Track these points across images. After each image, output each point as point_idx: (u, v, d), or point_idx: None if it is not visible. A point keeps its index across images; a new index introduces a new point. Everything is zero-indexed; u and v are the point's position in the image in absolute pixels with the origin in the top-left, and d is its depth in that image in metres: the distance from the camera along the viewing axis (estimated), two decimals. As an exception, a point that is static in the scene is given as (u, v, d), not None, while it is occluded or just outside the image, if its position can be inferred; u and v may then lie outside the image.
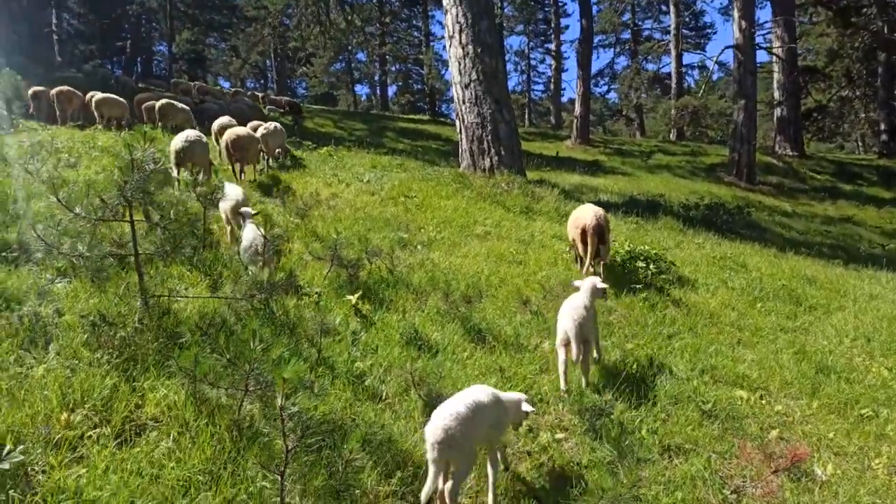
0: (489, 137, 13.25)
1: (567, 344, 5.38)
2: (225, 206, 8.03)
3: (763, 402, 5.73)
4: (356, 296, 6.40)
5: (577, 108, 33.78)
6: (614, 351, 6.27)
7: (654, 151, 33.56)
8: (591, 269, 8.24)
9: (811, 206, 23.74)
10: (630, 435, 4.77)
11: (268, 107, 31.35)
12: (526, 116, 55.38)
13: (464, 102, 13.50)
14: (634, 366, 6.02)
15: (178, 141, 9.70)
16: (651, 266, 8.88)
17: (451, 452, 3.49)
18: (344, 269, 7.16)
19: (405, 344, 5.73)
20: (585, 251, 8.20)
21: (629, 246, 9.39)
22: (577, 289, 5.85)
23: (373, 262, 7.63)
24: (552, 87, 49.88)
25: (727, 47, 27.22)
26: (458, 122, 13.79)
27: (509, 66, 54.67)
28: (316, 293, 6.65)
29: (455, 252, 9.19)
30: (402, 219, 10.49)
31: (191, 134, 9.94)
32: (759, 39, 30.98)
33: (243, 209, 7.44)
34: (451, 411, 3.56)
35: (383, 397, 4.88)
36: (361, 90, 73.33)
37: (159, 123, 16.72)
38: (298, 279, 6.99)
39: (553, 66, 47.57)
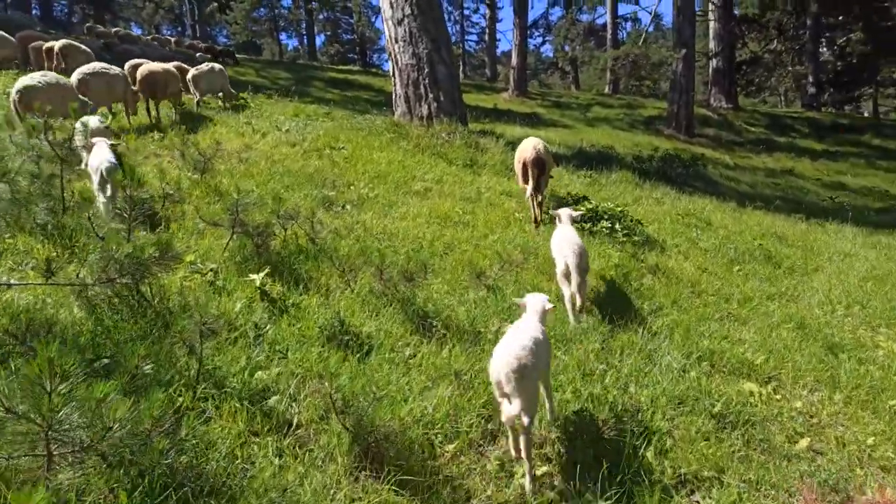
0: (426, 81, 11.62)
1: (568, 275, 5.28)
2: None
3: (778, 396, 4.56)
4: (262, 273, 4.83)
5: (514, 59, 32.21)
6: (593, 336, 4.95)
7: (592, 104, 32.51)
8: (537, 202, 7.96)
9: (750, 158, 23.21)
10: (634, 461, 3.48)
11: (198, 54, 28.42)
12: (461, 69, 53.38)
13: (397, 41, 11.78)
14: (620, 356, 4.74)
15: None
16: (617, 225, 7.62)
17: (525, 382, 3.26)
18: (250, 237, 5.55)
19: (327, 341, 4.23)
20: (527, 183, 7.98)
21: (591, 202, 8.10)
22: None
23: (288, 227, 6.04)
24: (487, 38, 47.98)
25: (667, -5, 26.08)
26: (391, 64, 12.08)
27: (442, 16, 52.33)
28: (210, 270, 5.04)
29: (391, 213, 7.67)
30: (328, 174, 8.86)
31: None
32: (696, -12, 29.97)
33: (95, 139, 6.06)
34: (519, 344, 3.38)
35: (294, 426, 3.40)
36: (288, 40, 69.44)
37: (61, 66, 14.15)
38: (189, 251, 5.35)
39: (487, 16, 45.58)
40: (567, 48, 45.79)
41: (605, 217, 7.77)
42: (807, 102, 36.33)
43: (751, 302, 6.32)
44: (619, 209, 7.91)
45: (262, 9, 48.35)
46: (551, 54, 55.96)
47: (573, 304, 5.27)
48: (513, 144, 12.01)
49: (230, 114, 12.51)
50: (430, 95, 11.63)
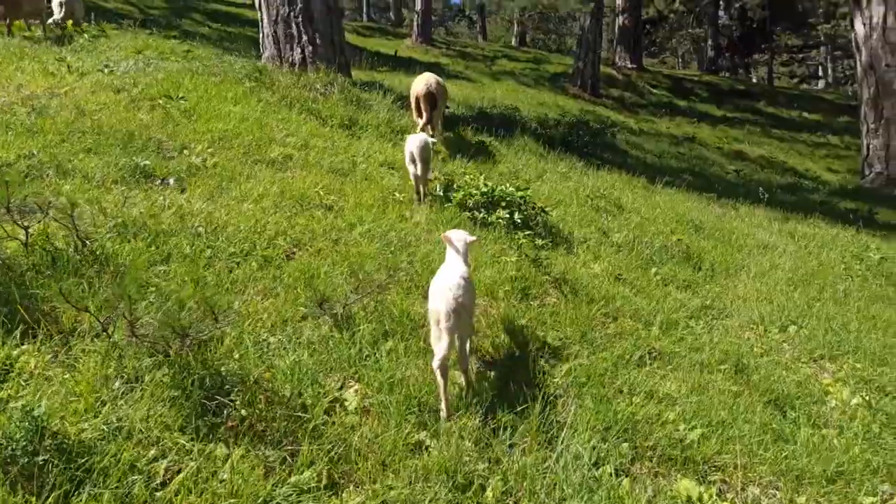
0: (299, 19, 9.46)
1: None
2: None
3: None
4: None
5: (419, 4, 29.80)
6: (473, 411, 3.36)
7: (498, 56, 30.78)
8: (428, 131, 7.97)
9: (653, 122, 22.42)
10: None
11: None
12: (364, 10, 49.93)
13: (264, -34, 9.54)
14: (509, 439, 3.20)
15: None
16: (517, 215, 6.06)
17: (462, 319, 3.38)
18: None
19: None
20: (420, 116, 8.19)
21: (486, 185, 6.46)
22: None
23: (44, 219, 4.03)
24: (393, -22, 44.78)
25: (578, -56, 24.48)
26: (259, -4, 9.84)
27: (346, -48, 48.36)
28: None
29: (230, 191, 5.74)
30: (158, 132, 6.73)
31: None
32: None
33: None
34: (453, 282, 3.42)
35: None
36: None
37: None
38: None
39: (394, -45, 42.37)
40: (475, -5, 43.52)
41: (504, 204, 6.18)
42: (706, 67, 36.23)
43: (675, 327, 4.95)
44: (520, 194, 6.32)
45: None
46: (459, 1, 53.45)
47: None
48: (403, 101, 10.17)
49: (50, 46, 9.86)
50: (305, 37, 9.49)
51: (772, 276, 6.87)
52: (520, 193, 6.28)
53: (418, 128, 8.09)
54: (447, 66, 25.29)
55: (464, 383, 3.63)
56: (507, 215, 5.95)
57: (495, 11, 44.20)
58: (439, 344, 3.33)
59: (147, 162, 5.84)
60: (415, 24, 30.62)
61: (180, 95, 7.52)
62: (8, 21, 10.79)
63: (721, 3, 38.16)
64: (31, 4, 11.41)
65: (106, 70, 8.49)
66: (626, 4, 29.11)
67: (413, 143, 6.29)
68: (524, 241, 5.42)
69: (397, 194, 6.55)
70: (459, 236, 3.93)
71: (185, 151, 6.47)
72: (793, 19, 31.75)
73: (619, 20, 30.04)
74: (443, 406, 3.33)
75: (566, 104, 21.11)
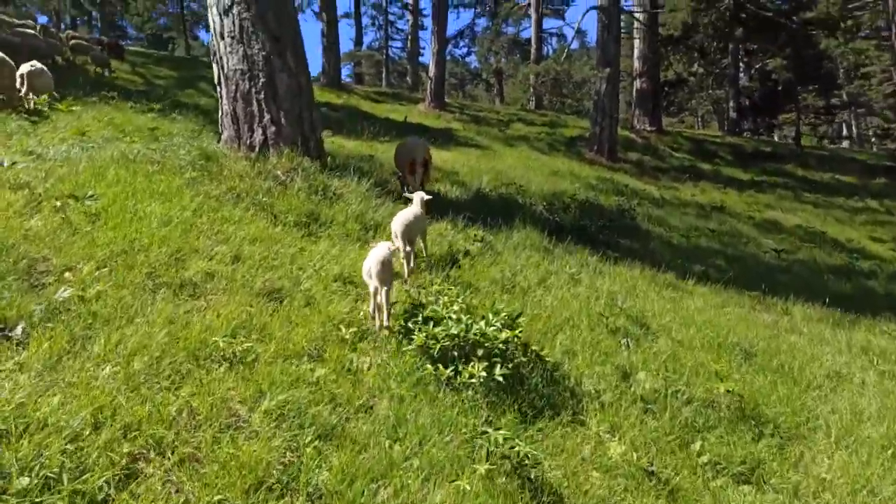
0: (262, 95, 7.94)
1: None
2: None
3: None
4: None
5: (432, 69, 28.83)
6: None
7: (513, 120, 29.47)
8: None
9: (677, 189, 20.58)
10: None
11: (71, 41, 23.39)
12: (383, 76, 49.65)
13: (223, 37, 8.08)
14: None
15: None
16: (498, 371, 4.19)
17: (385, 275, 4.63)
18: None
19: None
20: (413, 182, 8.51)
21: (460, 318, 4.63)
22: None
23: None
24: (409, 44, 44.34)
25: (592, 8, 23.26)
26: (216, 69, 8.35)
27: (365, 20, 48.43)
28: None
29: (92, 345, 4.00)
30: (43, 247, 5.09)
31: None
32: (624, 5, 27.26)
33: None
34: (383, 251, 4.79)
35: None
36: (206, 36, 63.87)
37: None
38: None
39: (410, 22, 42.00)
40: (492, 60, 42.80)
41: (480, 351, 4.34)
42: (729, 128, 34.52)
43: None
44: (506, 335, 4.47)
45: (169, 3, 43.09)
46: (478, 66, 52.96)
47: None
48: (384, 185, 8.52)
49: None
50: (267, 116, 7.94)
51: (859, 434, 4.87)
52: (504, 335, 4.42)
53: (409, 188, 8.41)
54: (458, 131, 23.94)
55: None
56: (485, 373, 4.08)
57: (512, 75, 43.39)
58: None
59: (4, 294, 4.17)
60: (428, 88, 29.59)
61: (89, 194, 5.89)
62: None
63: (741, 64, 36.72)
64: (7, 77, 10.44)
65: (23, 156, 6.98)
66: (643, 68, 27.76)
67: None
68: (501, 434, 3.51)
69: (343, 329, 4.76)
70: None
71: (68, 274, 4.80)
72: (819, 80, 30.03)
73: (637, 83, 28.64)
74: None
75: (582, 171, 19.44)
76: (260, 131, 7.99)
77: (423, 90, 36.20)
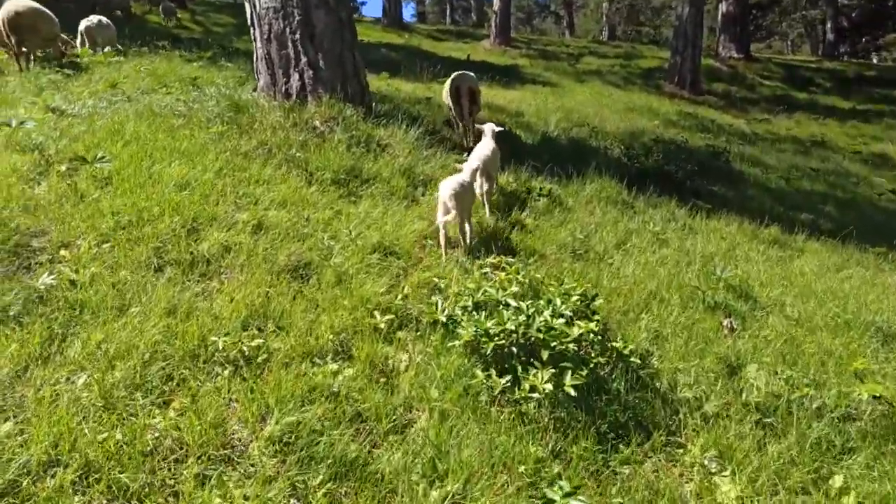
0: (297, 36, 6.94)
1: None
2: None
3: None
4: None
5: (496, 2, 26.88)
6: None
7: (584, 54, 27.30)
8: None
9: (769, 122, 18.39)
10: None
11: None
12: (447, 14, 47.48)
13: (253, -30, 7.09)
14: None
15: None
16: (569, 381, 3.19)
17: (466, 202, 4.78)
18: None
19: None
20: (460, 113, 7.75)
21: (519, 307, 3.63)
22: None
23: None
24: (474, -22, 41.86)
25: (673, -79, 20.65)
26: (248, 7, 7.39)
27: (428, -45, 45.95)
28: None
29: (73, 342, 3.29)
30: (42, 217, 4.42)
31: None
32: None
33: None
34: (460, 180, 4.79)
35: None
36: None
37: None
38: None
39: (474, -47, 39.46)
40: (561, -11, 39.85)
41: (545, 353, 3.33)
42: (825, 52, 30.91)
43: None
44: (580, 330, 3.45)
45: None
46: (546, -3, 49.74)
47: None
48: (433, 133, 7.48)
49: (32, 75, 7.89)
50: (304, 59, 6.96)
51: None
52: (577, 330, 3.40)
53: (459, 128, 7.94)
54: (524, 68, 22.26)
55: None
56: (551, 384, 3.10)
57: (583, 5, 40.41)
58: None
59: (-32, 287, 3.50)
60: (493, 23, 27.73)
61: (99, 156, 5.14)
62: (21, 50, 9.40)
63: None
64: (48, 30, 9.92)
65: (47, 114, 6.34)
66: (730, -13, 24.81)
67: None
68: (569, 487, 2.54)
69: (377, 316, 3.86)
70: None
71: (64, 252, 4.10)
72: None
73: (723, 6, 25.73)
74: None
75: (661, 106, 17.58)
76: (296, 76, 7.03)
77: (488, 26, 34.20)
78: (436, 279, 4.40)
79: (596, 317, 3.65)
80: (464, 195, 4.79)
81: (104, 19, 12.46)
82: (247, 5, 7.34)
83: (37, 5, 9.46)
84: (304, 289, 4.16)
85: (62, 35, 10.14)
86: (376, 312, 3.91)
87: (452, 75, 8.30)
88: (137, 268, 4.05)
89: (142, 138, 5.79)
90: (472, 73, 8.27)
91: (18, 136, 5.65)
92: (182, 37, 16.79)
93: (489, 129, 6.30)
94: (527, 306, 3.56)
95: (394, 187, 5.96)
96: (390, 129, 6.97)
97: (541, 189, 6.36)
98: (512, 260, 4.57)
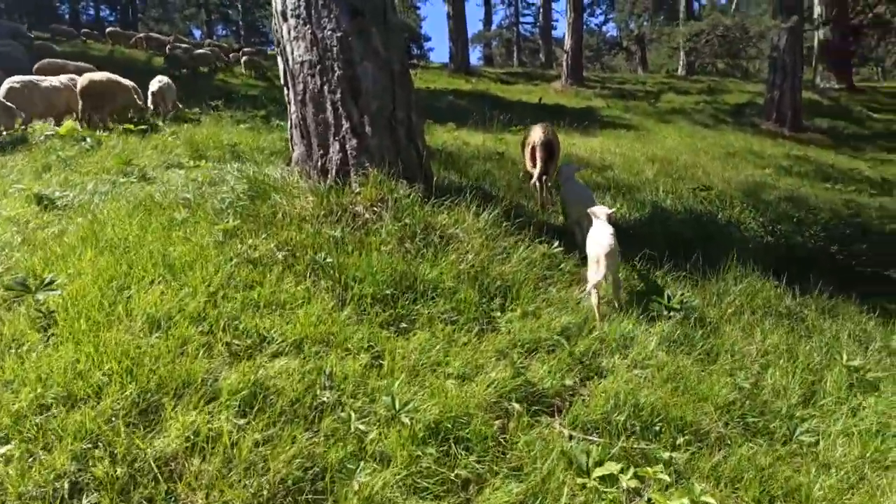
0: (337, 95, 5.32)
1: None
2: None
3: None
4: None
5: (567, 41, 25.24)
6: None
7: (663, 90, 25.11)
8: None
9: (892, 162, 15.61)
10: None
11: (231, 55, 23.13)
12: (514, 55, 46.21)
13: (285, 17, 5.56)
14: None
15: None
16: None
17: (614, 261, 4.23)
18: None
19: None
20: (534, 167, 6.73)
21: None
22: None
23: None
24: (541, 18, 40.42)
25: (765, -55, 18.41)
26: (280, 63, 5.86)
27: (494, -1, 45.07)
28: None
29: None
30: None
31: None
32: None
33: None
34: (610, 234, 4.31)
35: None
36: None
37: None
38: None
39: (542, -6, 38.07)
40: (632, 25, 37.80)
41: None
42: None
43: None
44: None
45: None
46: (616, 33, 47.68)
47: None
48: (512, 211, 5.63)
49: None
50: (346, 124, 5.33)
51: None
52: None
53: (533, 179, 6.81)
54: (601, 110, 20.30)
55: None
56: None
57: (655, 39, 38.12)
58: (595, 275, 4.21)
59: None
60: (564, 63, 26.01)
61: (47, 280, 3.58)
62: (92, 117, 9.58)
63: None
64: (123, 97, 10.21)
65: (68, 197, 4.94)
66: (829, 13, 22.10)
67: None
68: None
69: None
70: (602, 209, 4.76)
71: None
72: None
73: (819, 33, 23.00)
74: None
75: (763, 148, 15.17)
76: (336, 146, 5.38)
77: (558, 66, 32.53)
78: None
79: None
80: (618, 251, 4.42)
81: (168, 79, 12.19)
82: (279, 60, 5.82)
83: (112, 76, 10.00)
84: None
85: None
86: None
87: (529, 128, 7.17)
88: (34, 500, 2.37)
89: (122, 245, 4.22)
90: (548, 124, 7.08)
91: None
92: (241, 93, 15.87)
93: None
94: None
95: (460, 303, 4.12)
96: (456, 211, 5.16)
97: (669, 298, 4.35)
98: (662, 476, 2.61)
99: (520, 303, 4.28)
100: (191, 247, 4.24)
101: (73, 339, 3.23)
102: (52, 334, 3.36)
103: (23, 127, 8.77)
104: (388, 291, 4.07)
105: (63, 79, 10.30)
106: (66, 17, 38.92)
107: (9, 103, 8.76)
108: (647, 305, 4.36)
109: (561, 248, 4.89)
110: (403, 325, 3.89)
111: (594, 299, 4.19)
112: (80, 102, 9.58)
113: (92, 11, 45.00)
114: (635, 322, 4.12)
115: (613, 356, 3.81)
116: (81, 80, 9.79)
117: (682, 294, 4.40)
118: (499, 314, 4.16)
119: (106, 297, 3.62)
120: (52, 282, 3.60)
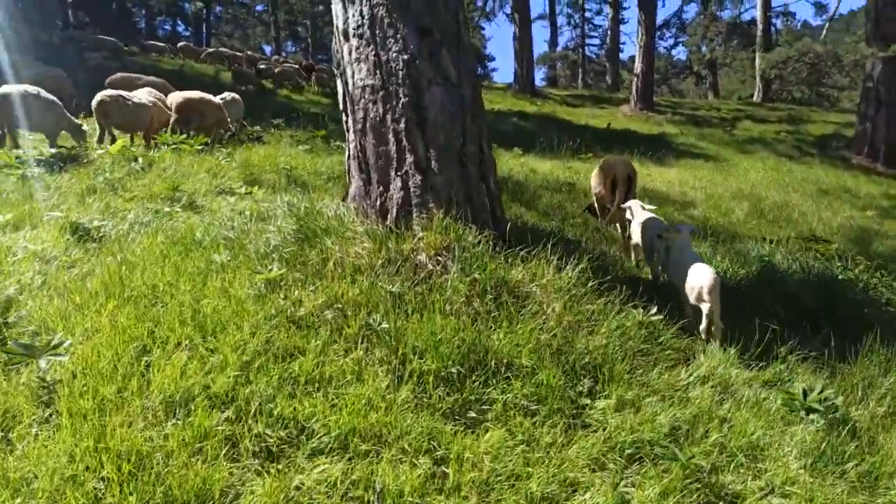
0: (401, 125, 4.67)
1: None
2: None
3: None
4: None
5: (638, 65, 24.22)
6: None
7: (739, 118, 23.71)
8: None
9: None
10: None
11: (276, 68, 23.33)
12: (579, 77, 45.24)
13: (347, 36, 4.98)
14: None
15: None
16: None
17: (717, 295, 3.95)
18: None
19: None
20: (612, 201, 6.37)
21: None
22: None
23: None
24: (609, 41, 39.36)
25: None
26: (339, 86, 5.26)
27: (560, 20, 44.34)
28: None
29: None
30: None
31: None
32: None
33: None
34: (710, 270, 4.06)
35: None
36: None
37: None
38: None
39: (610, 16, 37.06)
40: (704, 49, 36.29)
41: None
42: None
43: None
44: None
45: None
46: (684, 57, 46.05)
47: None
48: (594, 257, 4.82)
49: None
50: (410, 157, 4.66)
51: None
52: None
53: (609, 216, 6.42)
54: (675, 137, 19.16)
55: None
56: None
57: (729, 63, 36.50)
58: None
59: None
60: (633, 87, 24.96)
61: (54, 342, 3.02)
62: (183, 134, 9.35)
63: None
64: (213, 115, 10.16)
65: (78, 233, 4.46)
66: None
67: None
68: None
69: None
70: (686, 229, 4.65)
71: None
72: None
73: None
74: None
75: (858, 186, 13.78)
76: (398, 183, 4.71)
77: (627, 90, 31.43)
78: None
79: None
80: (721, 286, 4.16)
81: (236, 95, 12.14)
82: (338, 83, 5.23)
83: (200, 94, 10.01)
84: None
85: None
86: None
87: (605, 160, 6.83)
88: None
89: (150, 294, 3.64)
90: (628, 159, 6.91)
91: (-14, 286, 3.71)
92: (305, 111, 15.59)
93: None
94: None
95: (541, 386, 3.34)
96: (533, 264, 4.39)
97: (805, 393, 3.44)
98: None
99: (613, 388, 3.46)
100: (227, 301, 3.62)
101: (72, 426, 2.62)
102: (54, 412, 2.77)
103: (82, 144, 8.58)
104: (453, 369, 3.33)
105: (148, 94, 10.18)
106: (143, 31, 40.39)
107: (77, 121, 8.72)
108: (775, 399, 3.46)
109: (660, 317, 4.03)
110: (472, 414, 3.14)
111: (704, 327, 4.15)
112: (173, 118, 9.49)
113: (168, 26, 46.70)
114: (765, 425, 3.23)
115: (741, 474, 2.94)
116: (175, 98, 9.74)
117: (823, 389, 3.47)
118: (588, 402, 3.35)
119: (122, 365, 3.02)
120: (59, 344, 3.03)
